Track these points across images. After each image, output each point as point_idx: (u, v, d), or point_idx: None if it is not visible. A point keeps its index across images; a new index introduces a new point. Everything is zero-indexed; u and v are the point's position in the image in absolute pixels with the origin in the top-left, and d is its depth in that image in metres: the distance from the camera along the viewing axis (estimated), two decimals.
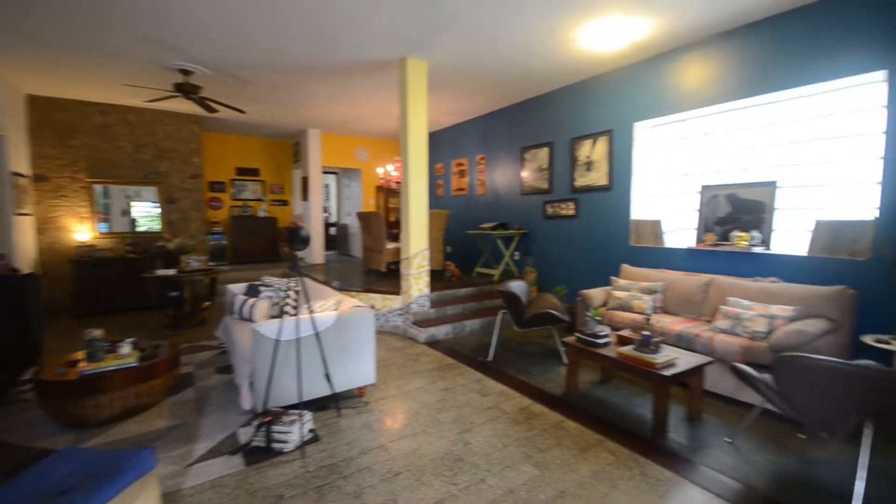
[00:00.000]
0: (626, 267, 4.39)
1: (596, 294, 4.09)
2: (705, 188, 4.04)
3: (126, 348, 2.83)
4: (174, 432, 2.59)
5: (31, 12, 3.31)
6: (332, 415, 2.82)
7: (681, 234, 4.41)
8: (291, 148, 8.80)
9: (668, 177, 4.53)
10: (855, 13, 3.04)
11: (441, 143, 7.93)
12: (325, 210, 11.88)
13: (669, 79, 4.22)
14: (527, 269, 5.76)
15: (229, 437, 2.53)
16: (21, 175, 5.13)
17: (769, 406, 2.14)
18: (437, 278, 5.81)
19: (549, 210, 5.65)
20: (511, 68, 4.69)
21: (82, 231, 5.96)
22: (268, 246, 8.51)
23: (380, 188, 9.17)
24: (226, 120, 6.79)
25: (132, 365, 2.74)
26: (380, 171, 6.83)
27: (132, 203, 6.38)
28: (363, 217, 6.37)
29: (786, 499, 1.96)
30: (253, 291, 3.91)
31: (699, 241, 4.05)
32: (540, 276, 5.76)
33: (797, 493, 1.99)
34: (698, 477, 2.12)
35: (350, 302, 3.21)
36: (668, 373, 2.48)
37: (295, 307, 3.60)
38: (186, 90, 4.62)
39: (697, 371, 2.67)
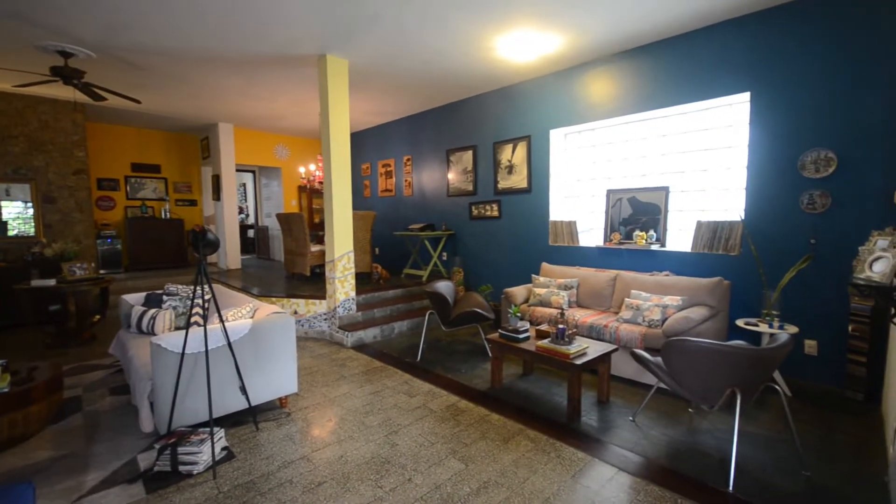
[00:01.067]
0: (545, 265, 4.67)
1: (518, 291, 4.30)
2: (611, 192, 4.44)
3: None
4: (59, 464, 2.26)
5: None
6: (249, 429, 2.64)
7: (592, 233, 4.81)
8: (200, 143, 8.09)
9: (580, 181, 4.91)
10: (726, 42, 3.55)
11: (367, 142, 7.81)
12: (242, 211, 11.10)
13: (579, 90, 4.58)
14: (454, 270, 5.89)
15: (127, 463, 2.26)
16: None
17: (663, 385, 2.42)
18: (365, 281, 5.71)
19: (475, 211, 5.82)
20: (435, 71, 4.76)
21: None
22: (173, 251, 7.75)
23: (302, 188, 8.78)
24: (119, 109, 6.06)
25: (2, 391, 2.33)
26: (301, 170, 6.54)
27: (1, 203, 5.42)
28: (284, 219, 6.06)
29: (678, 466, 2.23)
30: (154, 301, 3.53)
31: (607, 240, 4.44)
32: (467, 275, 5.91)
33: (687, 461, 2.28)
34: (606, 454, 2.33)
35: (268, 308, 3.03)
36: (579, 361, 2.69)
37: (204, 317, 3.32)
38: (66, 75, 4.04)
39: (605, 358, 2.93)
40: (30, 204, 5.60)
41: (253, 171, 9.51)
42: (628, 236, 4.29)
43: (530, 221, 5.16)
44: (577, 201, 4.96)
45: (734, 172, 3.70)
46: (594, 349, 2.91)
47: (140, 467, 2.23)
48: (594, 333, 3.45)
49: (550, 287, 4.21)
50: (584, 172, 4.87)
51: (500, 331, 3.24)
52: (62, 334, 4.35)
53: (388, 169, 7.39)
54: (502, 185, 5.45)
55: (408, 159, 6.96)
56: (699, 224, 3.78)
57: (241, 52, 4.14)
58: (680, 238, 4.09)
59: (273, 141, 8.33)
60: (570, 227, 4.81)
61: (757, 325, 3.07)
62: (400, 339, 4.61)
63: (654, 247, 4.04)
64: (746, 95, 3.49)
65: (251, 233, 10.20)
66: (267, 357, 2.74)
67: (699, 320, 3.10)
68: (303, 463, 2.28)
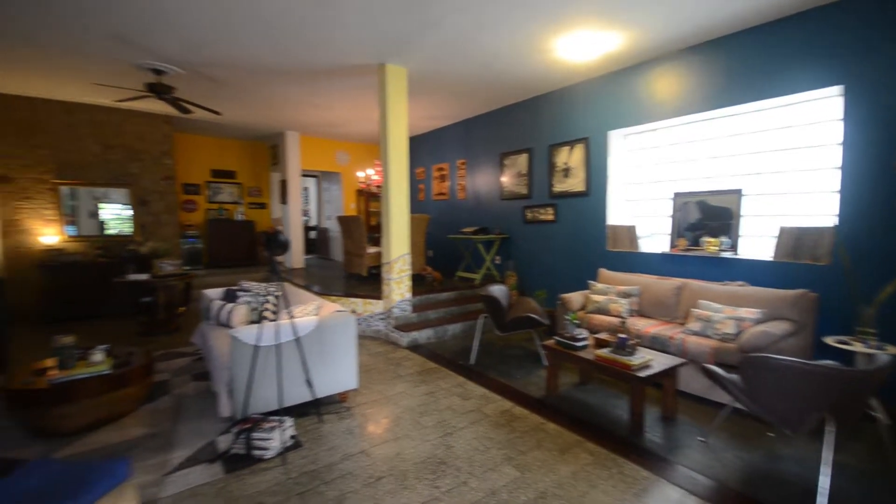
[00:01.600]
0: (603, 271, 4.51)
1: (575, 298, 4.19)
2: (677, 195, 4.20)
3: (98, 355, 2.73)
4: (150, 441, 2.52)
5: None
6: (313, 421, 2.79)
7: (654, 239, 4.57)
8: (269, 150, 8.67)
9: (641, 183, 4.69)
10: (813, 31, 3.23)
11: (422, 147, 7.96)
12: (305, 214, 11.73)
13: (640, 90, 4.38)
14: (507, 273, 5.84)
15: (208, 444, 2.48)
16: None
17: (738, 405, 2.24)
18: (419, 282, 5.82)
19: (529, 215, 5.75)
20: (491, 75, 4.77)
21: (49, 234, 5.72)
22: (245, 250, 8.35)
23: (360, 192, 9.13)
24: (200, 121, 6.65)
25: (105, 372, 2.65)
26: (360, 175, 6.81)
27: (101, 205, 6.15)
28: (344, 221, 6.33)
29: (756, 494, 2.06)
30: (230, 296, 3.84)
31: (672, 246, 4.20)
32: (520, 280, 5.84)
33: (766, 489, 2.10)
34: (673, 475, 2.20)
35: (331, 307, 3.20)
36: (643, 374, 2.57)
37: (275, 312, 3.55)
38: (159, 90, 4.51)
39: (671, 372, 2.77)
40: (127, 206, 6.30)
41: (316, 176, 10.03)
42: (696, 242, 4.03)
43: (587, 226, 5.00)
44: (638, 205, 4.74)
45: (822, 174, 3.36)
46: (659, 362, 2.76)
47: (219, 448, 2.43)
48: (658, 345, 3.28)
49: (609, 294, 4.05)
50: (645, 175, 4.64)
51: (556, 338, 3.18)
52: (152, 324, 4.86)
53: (443, 173, 7.50)
54: (558, 188, 5.34)
55: (462, 163, 7.01)
56: (782, 230, 3.46)
57: (305, 64, 4.40)
58: (755, 245, 3.78)
59: (334, 147, 8.74)
60: (630, 232, 4.61)
61: (849, 344, 2.76)
62: (453, 342, 4.66)
63: (726, 254, 3.76)
64: (839, 89, 3.15)
65: (313, 234, 10.76)
66: (330, 353, 2.88)
67: (780, 336, 2.85)
68: (362, 457, 2.37)
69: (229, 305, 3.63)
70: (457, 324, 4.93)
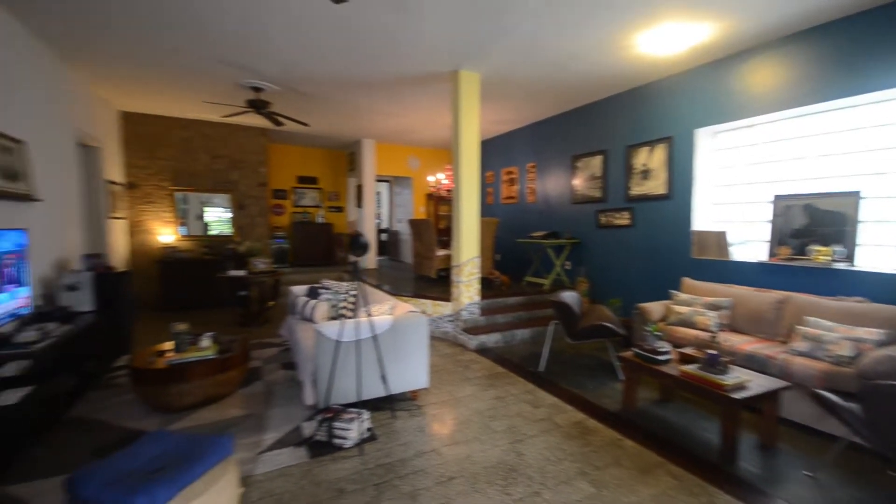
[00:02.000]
0: (687, 280, 4.18)
1: (654, 308, 3.93)
2: (778, 198, 3.77)
3: (206, 342, 3.10)
4: (246, 421, 2.80)
5: (125, 37, 3.75)
6: (387, 416, 2.92)
7: (749, 246, 4.14)
8: (347, 157, 9.22)
9: (733, 185, 4.28)
10: None
11: (491, 151, 7.97)
12: (377, 217, 12.29)
13: (735, 83, 4.00)
14: (578, 280, 5.64)
15: (294, 429, 2.70)
16: (115, 183, 5.77)
17: (856, 438, 1.96)
18: (487, 286, 5.83)
19: (603, 219, 5.50)
20: (564, 76, 4.65)
21: (166, 234, 6.59)
22: (324, 250, 8.94)
23: (430, 196, 9.35)
24: (289, 132, 7.26)
25: (212, 357, 3.00)
26: (431, 179, 6.98)
27: (206, 209, 6.96)
28: (414, 224, 6.54)
29: None
30: (313, 293, 4.14)
31: (771, 254, 3.78)
32: (592, 286, 5.61)
33: None
34: None
35: (404, 307, 3.32)
36: (738, 395, 2.34)
37: (352, 310, 3.77)
38: (257, 105, 5.00)
39: (772, 396, 2.49)
40: (227, 210, 7.06)
41: (388, 181, 10.47)
42: (801, 251, 3.58)
43: (668, 231, 4.67)
44: (728, 209, 4.32)
45: None
46: (757, 383, 2.50)
47: (304, 434, 2.63)
48: (754, 364, 2.97)
49: (695, 305, 3.74)
50: (738, 176, 4.23)
51: (634, 349, 3.01)
52: (247, 315, 5.39)
53: (512, 176, 7.44)
54: (635, 191, 5.05)
55: (531, 166, 6.91)
56: None
57: (384, 75, 4.62)
58: (877, 255, 3.27)
59: (406, 153, 9.06)
60: (720, 239, 4.22)
61: None
62: (521, 347, 4.60)
63: (840, 265, 3.30)
64: None
65: (384, 236, 11.23)
66: (404, 351, 3.00)
67: None
68: (434, 455, 2.43)
69: (312, 301, 3.92)
70: (525, 329, 4.86)
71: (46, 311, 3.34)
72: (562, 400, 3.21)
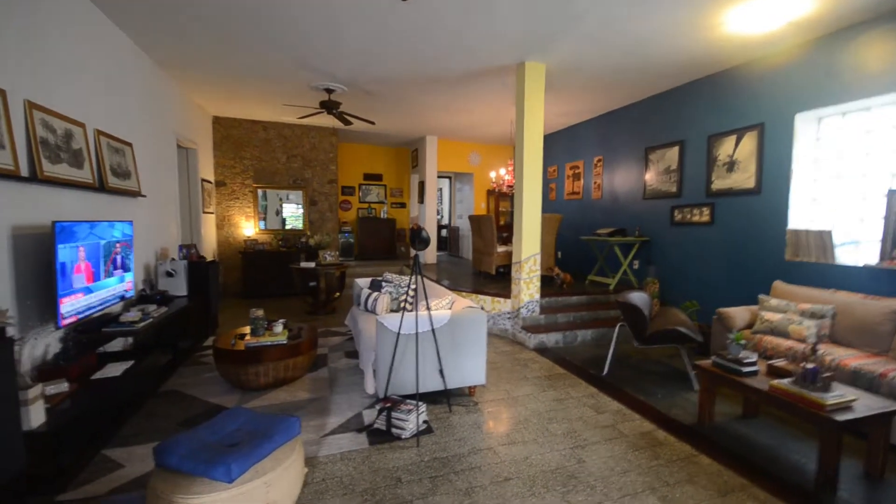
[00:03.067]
0: (779, 284, 3.74)
1: (738, 313, 3.56)
2: (893, 193, 3.23)
3: (279, 327, 3.33)
4: (312, 404, 2.97)
5: (213, 48, 4.10)
6: (443, 410, 2.94)
7: (855, 248, 3.59)
8: (410, 154, 9.42)
9: (840, 176, 3.73)
10: None
11: (555, 145, 7.71)
12: (438, 212, 12.44)
13: (846, 60, 3.47)
14: (647, 280, 5.27)
15: (355, 416, 2.81)
16: (207, 181, 6.39)
17: None
18: (548, 284, 5.65)
19: (678, 215, 5.08)
20: (638, 63, 4.34)
21: (248, 227, 7.19)
22: (387, 244, 9.22)
23: (490, 192, 9.28)
24: (357, 131, 7.58)
25: (283, 342, 3.21)
26: (492, 174, 6.92)
27: (283, 204, 7.48)
28: (474, 220, 6.52)
29: None
30: (376, 286, 4.28)
31: (884, 257, 3.25)
32: (663, 288, 5.22)
33: None
34: None
35: (463, 302, 3.31)
36: (841, 417, 2.04)
37: (412, 303, 3.84)
38: (329, 107, 5.26)
39: (882, 419, 2.15)
40: (300, 205, 7.54)
41: (449, 177, 10.56)
42: None
43: (756, 229, 4.19)
44: (831, 205, 3.78)
45: None
46: (864, 404, 2.16)
47: (364, 421, 2.73)
48: (861, 382, 2.57)
49: (788, 312, 3.33)
50: (846, 167, 3.68)
51: (714, 358, 2.74)
52: (316, 304, 5.72)
53: (577, 171, 7.13)
54: (718, 185, 4.60)
55: (598, 160, 6.57)
56: None
57: (449, 72, 4.63)
58: None
59: (467, 149, 9.06)
60: (822, 239, 3.71)
61: None
62: (583, 348, 4.40)
63: None
64: None
65: (444, 232, 11.34)
66: (462, 346, 2.99)
67: None
68: (490, 454, 2.40)
69: (375, 294, 4.05)
70: (587, 330, 4.65)
71: (148, 294, 3.79)
72: (627, 407, 3.02)
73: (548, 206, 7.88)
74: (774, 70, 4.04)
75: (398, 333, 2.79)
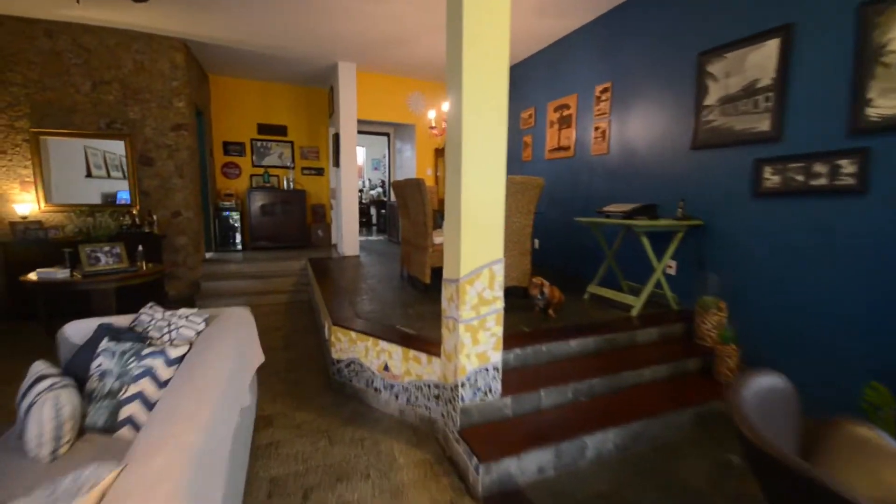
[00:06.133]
0: None
1: None
2: None
3: None
4: None
5: None
6: None
7: None
8: (329, 97, 6.56)
9: None
10: None
11: (529, 78, 5.10)
12: (382, 185, 9.68)
13: None
14: (703, 301, 2.85)
15: None
16: None
17: None
18: (517, 307, 3.15)
19: (772, 177, 2.63)
20: None
21: (25, 202, 4.27)
22: (295, 227, 6.47)
23: (439, 151, 6.62)
24: (239, 56, 4.71)
25: None
26: (431, 115, 4.27)
27: (92, 162, 4.56)
28: (399, 188, 3.87)
29: None
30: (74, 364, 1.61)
31: None
32: (733, 313, 2.81)
33: None
34: None
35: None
36: None
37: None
38: None
39: None
40: (122, 167, 4.63)
41: (387, 134, 7.75)
42: None
43: None
44: None
45: None
46: None
47: None
48: None
49: None
50: None
51: None
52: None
53: (566, 112, 4.55)
54: (882, 107, 2.14)
55: (603, 90, 4.00)
56: None
57: None
58: None
59: (404, 88, 6.25)
60: None
61: None
62: (596, 478, 1.93)
63: None
64: None
65: (384, 210, 8.65)
66: None
67: None
68: None
69: (42, 392, 1.40)
70: (607, 430, 2.14)
71: None
72: None
73: (517, 170, 5.32)
74: None
75: None
